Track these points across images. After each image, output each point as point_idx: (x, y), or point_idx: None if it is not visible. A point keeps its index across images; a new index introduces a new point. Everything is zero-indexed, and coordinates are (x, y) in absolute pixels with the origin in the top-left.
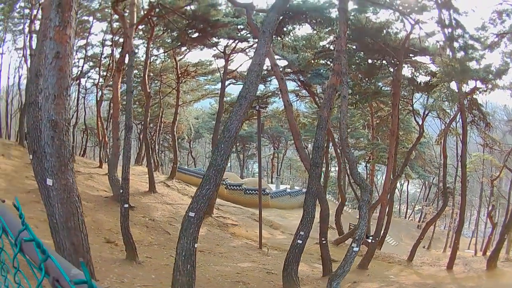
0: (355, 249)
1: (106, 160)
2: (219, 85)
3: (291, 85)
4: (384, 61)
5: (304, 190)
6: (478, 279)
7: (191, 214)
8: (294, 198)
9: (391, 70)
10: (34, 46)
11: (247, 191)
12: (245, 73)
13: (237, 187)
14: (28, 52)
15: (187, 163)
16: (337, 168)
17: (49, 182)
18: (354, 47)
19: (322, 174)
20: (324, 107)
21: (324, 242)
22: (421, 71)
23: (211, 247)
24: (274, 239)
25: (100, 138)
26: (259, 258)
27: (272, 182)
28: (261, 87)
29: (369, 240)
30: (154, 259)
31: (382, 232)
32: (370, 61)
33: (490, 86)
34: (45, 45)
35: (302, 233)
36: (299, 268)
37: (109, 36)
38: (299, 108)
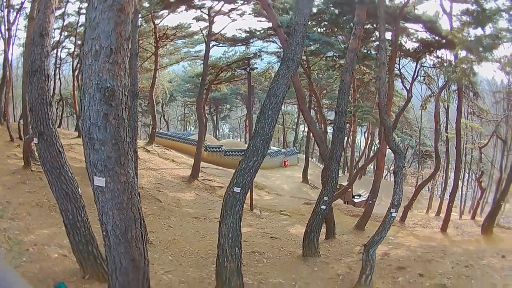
0: (394, 214)
1: None
2: (197, 48)
3: (272, 47)
4: (375, 26)
5: (283, 150)
6: (477, 243)
7: (237, 189)
8: (274, 158)
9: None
10: (12, 20)
11: (227, 152)
12: (228, 36)
13: (217, 149)
14: (6, 27)
15: (160, 127)
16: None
17: (100, 181)
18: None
19: (301, 135)
20: (346, 71)
21: (328, 202)
22: (412, 37)
23: (205, 212)
24: (262, 200)
25: (77, 108)
26: (254, 222)
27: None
28: (242, 49)
29: (355, 200)
30: (157, 233)
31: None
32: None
33: (478, 57)
34: None
35: (325, 198)
36: (298, 231)
37: (85, 5)
38: None
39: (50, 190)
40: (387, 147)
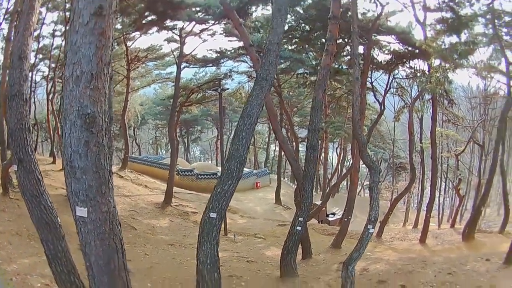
0: (371, 230)
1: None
2: (168, 69)
3: (242, 66)
4: (346, 40)
5: (255, 171)
6: (459, 250)
7: (213, 215)
8: (246, 180)
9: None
10: None
11: (199, 176)
12: (199, 57)
13: (189, 172)
14: None
15: (132, 151)
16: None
17: (82, 212)
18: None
19: (272, 155)
20: (319, 88)
21: (303, 223)
22: (384, 50)
23: (180, 239)
24: (236, 224)
25: (51, 133)
26: (229, 246)
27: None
28: (213, 69)
29: (330, 219)
30: (134, 262)
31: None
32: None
33: (453, 65)
34: None
35: (301, 219)
36: (274, 253)
37: (59, 27)
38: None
39: (28, 219)
40: (361, 162)
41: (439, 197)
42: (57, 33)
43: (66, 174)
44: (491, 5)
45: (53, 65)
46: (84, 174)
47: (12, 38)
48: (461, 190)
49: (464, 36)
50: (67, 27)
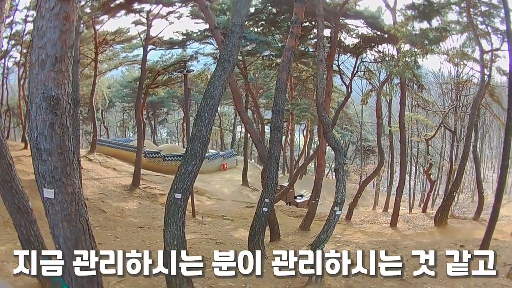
0: (338, 212)
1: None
2: (135, 52)
3: (208, 48)
4: (313, 23)
5: (222, 153)
6: (431, 235)
7: (177, 195)
8: (212, 161)
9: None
10: None
11: (166, 157)
12: (165, 39)
13: (156, 154)
14: None
15: (100, 134)
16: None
17: (49, 193)
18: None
19: (238, 136)
20: (283, 70)
21: (270, 204)
22: (352, 33)
23: (149, 221)
24: (203, 206)
25: (23, 118)
26: (198, 228)
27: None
28: (179, 51)
29: (298, 201)
30: (105, 245)
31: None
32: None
33: (423, 50)
34: None
35: (267, 200)
36: (242, 235)
37: (31, 12)
38: None
39: (2, 205)
40: (327, 144)
41: (409, 181)
42: (29, 18)
43: (33, 156)
44: None
45: (24, 51)
46: (50, 156)
47: None
48: (432, 175)
49: (436, 23)
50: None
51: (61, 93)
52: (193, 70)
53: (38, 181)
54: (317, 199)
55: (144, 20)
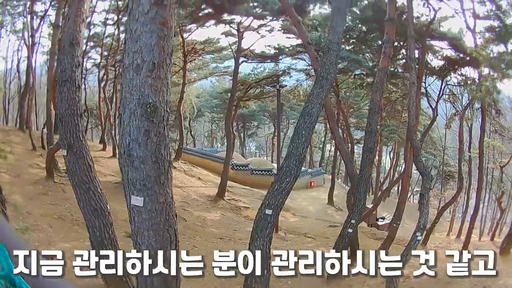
0: (419, 237)
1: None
2: (226, 63)
3: (300, 64)
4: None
5: (310, 170)
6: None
7: (268, 211)
8: (300, 178)
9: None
10: (36, 27)
11: (254, 171)
12: (257, 52)
13: (244, 167)
14: (29, 34)
15: (186, 143)
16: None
17: (138, 201)
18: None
19: (327, 155)
20: (376, 90)
21: (355, 226)
22: (437, 55)
23: (230, 233)
24: (287, 222)
25: (103, 120)
26: (279, 244)
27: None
28: (271, 65)
29: (379, 223)
30: (182, 253)
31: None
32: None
33: (501, 74)
34: None
35: (353, 221)
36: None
37: (111, 15)
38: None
39: (73, 203)
40: (415, 168)
41: (482, 208)
42: (109, 21)
43: (123, 162)
44: None
45: (105, 53)
46: (143, 163)
47: (60, 24)
48: (502, 203)
49: (511, 46)
50: (120, 16)
51: (158, 101)
52: (286, 85)
53: (126, 187)
54: (398, 222)
55: (235, 32)
